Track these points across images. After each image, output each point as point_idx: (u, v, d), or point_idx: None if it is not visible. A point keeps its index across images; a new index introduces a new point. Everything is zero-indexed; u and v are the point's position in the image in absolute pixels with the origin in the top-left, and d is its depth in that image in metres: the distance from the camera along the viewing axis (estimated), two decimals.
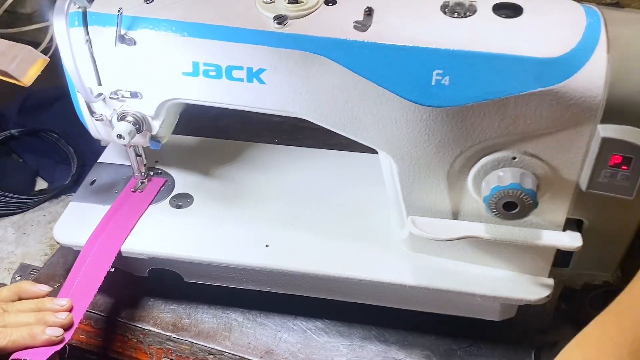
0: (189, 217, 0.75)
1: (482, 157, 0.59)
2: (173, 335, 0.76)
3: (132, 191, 0.78)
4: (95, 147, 0.87)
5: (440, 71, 0.54)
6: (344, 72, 0.57)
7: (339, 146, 0.87)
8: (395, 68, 0.55)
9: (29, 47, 0.59)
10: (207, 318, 0.78)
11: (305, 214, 0.75)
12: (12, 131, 1.00)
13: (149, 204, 0.77)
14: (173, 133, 0.74)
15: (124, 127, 0.64)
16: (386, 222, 0.73)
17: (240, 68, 0.60)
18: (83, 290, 0.65)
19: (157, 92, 0.64)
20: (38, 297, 0.66)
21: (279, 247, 0.71)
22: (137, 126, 0.66)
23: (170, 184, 0.81)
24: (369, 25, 0.57)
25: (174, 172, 0.82)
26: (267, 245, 0.71)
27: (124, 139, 0.64)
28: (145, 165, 0.78)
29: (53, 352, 0.58)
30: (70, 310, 0.64)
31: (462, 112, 0.55)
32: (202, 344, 0.75)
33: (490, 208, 0.58)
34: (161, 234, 0.73)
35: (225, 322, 0.78)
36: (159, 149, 0.71)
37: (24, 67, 0.57)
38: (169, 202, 0.78)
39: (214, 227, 0.73)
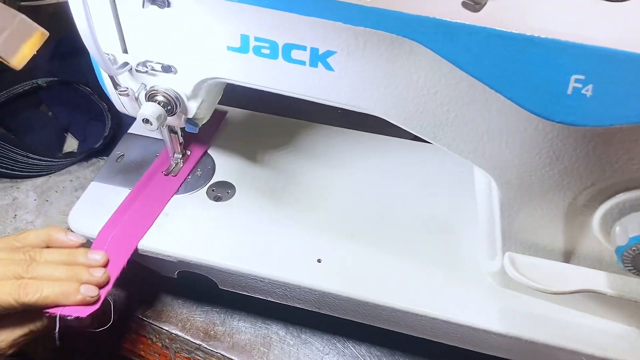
0: (228, 212, 0.64)
1: (620, 192, 0.45)
2: (203, 344, 0.67)
3: (165, 174, 0.67)
4: None
5: (581, 77, 0.40)
6: (442, 64, 0.43)
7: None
8: (517, 66, 0.41)
9: (22, 16, 0.47)
10: (244, 328, 0.69)
11: (371, 223, 0.64)
12: (40, 81, 0.91)
13: (178, 188, 0.67)
14: (218, 103, 0.63)
15: (151, 110, 0.52)
16: (471, 246, 0.60)
17: (303, 48, 0.47)
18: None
19: (194, 68, 0.52)
20: (68, 248, 0.58)
21: (334, 263, 0.60)
22: (168, 107, 0.54)
23: (209, 168, 0.69)
24: (484, 4, 0.42)
25: (215, 153, 0.71)
26: (319, 260, 0.60)
27: (151, 124, 0.52)
28: (181, 144, 0.67)
29: (93, 310, 0.53)
30: (105, 265, 0.57)
31: (605, 135, 0.41)
32: (236, 359, 0.66)
33: (624, 262, 0.44)
34: (193, 232, 0.62)
35: (264, 335, 0.68)
36: (195, 132, 0.59)
37: (14, 44, 0.45)
38: (206, 192, 0.66)
39: (258, 230, 0.63)
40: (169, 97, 0.54)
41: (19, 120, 0.89)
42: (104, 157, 0.89)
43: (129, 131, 0.75)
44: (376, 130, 0.75)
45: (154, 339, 0.69)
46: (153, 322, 0.70)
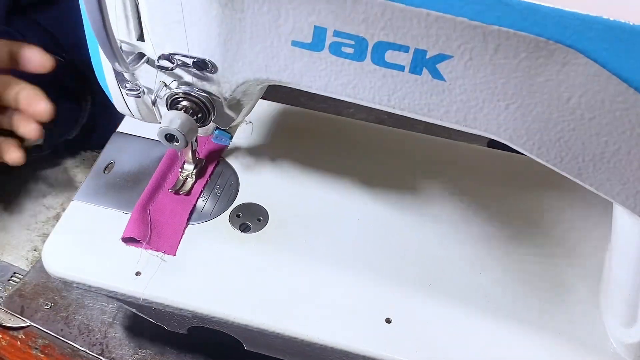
0: (261, 248, 0.58)
1: None
2: None
3: (173, 192, 0.60)
4: None
5: None
6: (610, 83, 0.37)
7: None
8: None
9: None
10: None
11: (455, 269, 0.58)
12: None
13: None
14: None
15: (179, 123, 0.45)
16: (594, 302, 0.55)
17: (404, 49, 0.40)
18: None
19: (242, 66, 0.44)
20: None
21: (408, 324, 0.54)
22: (198, 115, 0.47)
23: (232, 185, 0.62)
24: None
25: (237, 163, 0.64)
26: (388, 320, 0.53)
27: (177, 142, 0.45)
28: (195, 151, 0.60)
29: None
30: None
31: None
32: None
33: None
34: (214, 276, 0.56)
35: None
36: (227, 144, 0.52)
37: None
38: (229, 219, 0.59)
39: (304, 275, 0.56)
40: (200, 103, 0.46)
41: None
42: (83, 152, 0.81)
43: (118, 129, 0.67)
44: (459, 135, 0.68)
45: None
46: None
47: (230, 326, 0.55)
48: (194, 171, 0.61)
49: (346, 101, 0.45)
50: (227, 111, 0.48)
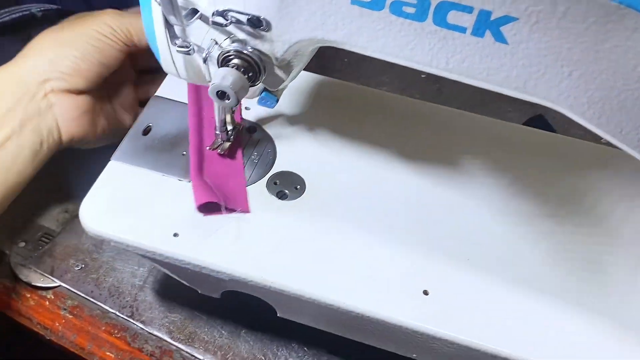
0: (299, 216, 0.57)
1: None
2: None
3: (210, 149, 0.59)
4: None
5: None
6: None
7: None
8: None
9: None
10: None
11: (497, 245, 0.57)
12: (34, 8, 0.81)
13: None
14: None
15: (231, 80, 0.44)
16: (633, 282, 0.54)
17: (467, 10, 0.39)
18: None
19: (297, 25, 0.43)
20: None
21: (446, 297, 0.53)
22: (249, 74, 0.46)
23: (269, 152, 0.62)
24: None
25: (276, 134, 0.63)
26: (425, 293, 0.52)
27: (228, 99, 0.44)
28: (234, 112, 0.59)
29: None
30: None
31: None
32: None
33: None
34: (253, 240, 0.55)
35: None
36: (272, 107, 0.52)
37: None
38: (267, 185, 0.59)
39: (341, 243, 0.56)
40: (252, 62, 0.46)
41: (1, 59, 0.80)
42: None
43: (156, 94, 0.66)
44: (494, 114, 0.67)
45: None
46: (183, 348, 0.63)
47: (265, 291, 0.54)
48: (232, 134, 0.60)
49: (378, 78, 0.44)
50: (277, 72, 0.48)
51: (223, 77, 0.44)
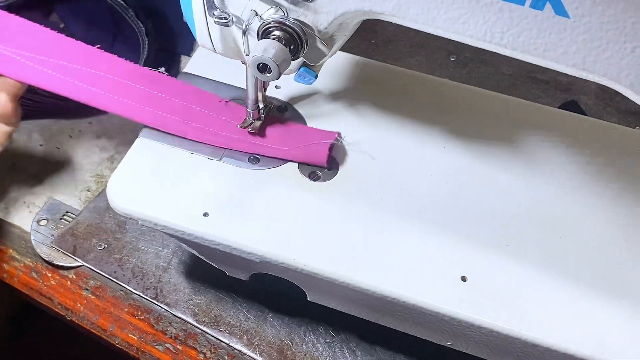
0: (331, 198, 0.55)
1: None
2: None
3: (242, 127, 0.57)
4: (180, 31, 0.67)
5: None
6: None
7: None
8: None
9: None
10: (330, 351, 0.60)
11: (537, 231, 0.55)
12: None
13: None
14: None
15: (274, 52, 0.42)
16: None
17: None
18: None
19: None
20: None
21: (485, 284, 0.51)
22: (290, 47, 0.44)
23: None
24: None
25: (307, 114, 0.62)
26: (463, 279, 0.51)
27: (269, 72, 0.42)
28: (264, 91, 0.57)
29: None
30: None
31: None
32: None
33: None
34: (284, 221, 0.54)
35: None
36: (310, 84, 0.50)
37: None
38: (298, 165, 0.57)
39: (375, 227, 0.54)
40: (294, 34, 0.44)
41: None
42: None
43: (184, 70, 0.64)
44: (524, 98, 0.65)
45: (208, 354, 0.61)
46: (208, 331, 0.62)
47: (296, 274, 0.53)
48: (264, 112, 0.58)
49: (406, 60, 0.42)
50: (319, 45, 0.46)
51: (265, 49, 0.43)
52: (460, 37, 0.41)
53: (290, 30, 0.44)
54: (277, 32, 0.44)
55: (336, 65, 0.65)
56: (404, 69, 0.67)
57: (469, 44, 0.41)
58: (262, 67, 0.43)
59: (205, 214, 0.53)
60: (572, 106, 0.76)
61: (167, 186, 0.55)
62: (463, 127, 0.61)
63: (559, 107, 0.78)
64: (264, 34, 0.44)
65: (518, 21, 0.39)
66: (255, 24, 0.45)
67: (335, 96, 0.63)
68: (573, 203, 0.56)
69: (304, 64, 0.48)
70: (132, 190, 0.55)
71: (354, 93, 0.63)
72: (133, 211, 0.54)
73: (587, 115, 0.77)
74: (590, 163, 0.59)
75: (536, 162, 0.59)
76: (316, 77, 0.49)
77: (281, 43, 0.43)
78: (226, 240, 0.52)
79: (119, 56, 0.75)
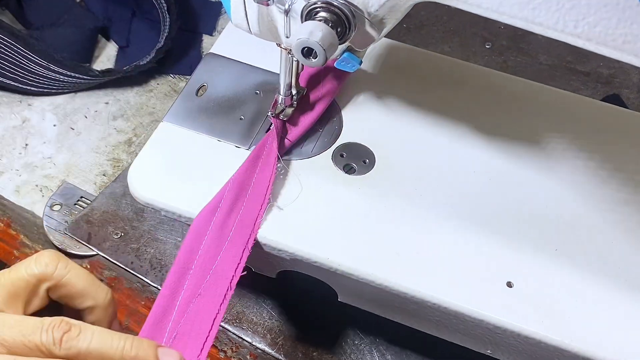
0: (367, 193, 0.52)
1: None
2: None
3: (273, 116, 0.54)
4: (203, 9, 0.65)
5: None
6: None
7: None
8: None
9: None
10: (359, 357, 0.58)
11: (587, 234, 0.51)
12: None
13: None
14: None
15: (320, 35, 0.38)
16: None
17: None
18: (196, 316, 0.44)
19: None
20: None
21: (532, 291, 0.48)
22: (337, 30, 0.40)
23: (334, 120, 0.56)
24: None
25: (341, 102, 0.58)
26: (509, 285, 0.48)
27: (315, 57, 0.38)
28: (297, 77, 0.54)
29: None
30: None
31: None
32: None
33: None
34: (318, 217, 0.50)
35: None
36: (352, 71, 0.46)
37: None
38: (332, 158, 0.53)
39: (416, 225, 0.51)
40: (342, 15, 0.40)
41: (39, 12, 0.75)
42: (157, 76, 0.75)
43: (211, 51, 0.61)
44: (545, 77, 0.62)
45: (229, 353, 0.58)
46: (229, 329, 0.59)
47: (329, 274, 0.50)
48: (296, 99, 0.54)
49: (439, 46, 0.39)
50: (368, 28, 0.42)
51: (311, 32, 0.39)
52: (528, 25, 0.37)
53: (339, 11, 0.40)
54: (323, 14, 0.40)
55: (372, 50, 0.61)
56: (443, 56, 0.63)
57: (538, 32, 0.38)
58: (307, 52, 0.39)
59: None
60: (614, 99, 0.72)
61: (192, 175, 0.52)
62: (507, 120, 0.58)
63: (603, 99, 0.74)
64: (308, 15, 0.41)
65: (596, 9, 0.35)
66: (299, 4, 0.41)
67: (372, 82, 0.59)
68: (626, 206, 0.53)
69: (348, 49, 0.45)
70: (155, 178, 0.52)
71: (392, 79, 0.60)
72: (155, 201, 0.51)
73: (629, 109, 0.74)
74: None
75: (586, 160, 0.55)
76: (360, 63, 0.45)
77: (328, 25, 0.40)
78: (262, 238, 0.49)
79: (141, 35, 0.72)
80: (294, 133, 0.54)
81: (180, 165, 0.52)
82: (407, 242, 0.49)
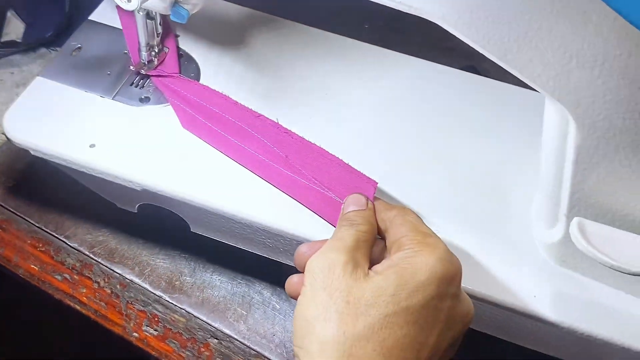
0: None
1: None
2: (165, 296, 0.65)
3: (135, 70, 0.62)
4: None
5: None
6: None
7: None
8: None
9: None
10: (218, 282, 0.67)
11: (399, 169, 0.59)
12: None
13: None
14: None
15: None
16: (524, 208, 0.56)
17: None
18: None
19: None
20: None
21: None
22: None
23: (193, 74, 0.64)
24: None
25: (199, 56, 0.66)
26: None
27: (129, 1, 0.46)
28: (158, 35, 0.62)
29: None
30: None
31: None
32: (205, 319, 0.64)
33: None
34: (167, 155, 0.58)
35: (243, 293, 0.66)
36: (183, 22, 0.54)
37: None
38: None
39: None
40: None
41: None
42: (57, 49, 0.83)
43: (90, 17, 0.69)
44: (413, 52, 0.70)
45: (102, 283, 0.65)
46: (102, 262, 0.66)
47: (177, 204, 0.57)
48: (156, 57, 0.63)
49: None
50: None
51: None
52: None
53: None
54: None
55: (235, 21, 0.70)
56: (303, 25, 0.71)
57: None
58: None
59: (92, 145, 0.58)
60: (470, 70, 0.81)
61: (59, 121, 0.59)
62: (354, 76, 0.66)
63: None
64: None
65: None
66: None
67: (230, 46, 0.67)
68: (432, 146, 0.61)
69: (176, 2, 0.53)
70: (27, 122, 0.59)
71: (246, 43, 0.68)
72: (26, 141, 0.58)
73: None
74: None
75: (415, 111, 0.64)
76: (187, 14, 0.53)
77: None
78: (108, 169, 0.57)
79: (45, 12, 0.79)
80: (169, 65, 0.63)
81: (49, 113, 0.59)
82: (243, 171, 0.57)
